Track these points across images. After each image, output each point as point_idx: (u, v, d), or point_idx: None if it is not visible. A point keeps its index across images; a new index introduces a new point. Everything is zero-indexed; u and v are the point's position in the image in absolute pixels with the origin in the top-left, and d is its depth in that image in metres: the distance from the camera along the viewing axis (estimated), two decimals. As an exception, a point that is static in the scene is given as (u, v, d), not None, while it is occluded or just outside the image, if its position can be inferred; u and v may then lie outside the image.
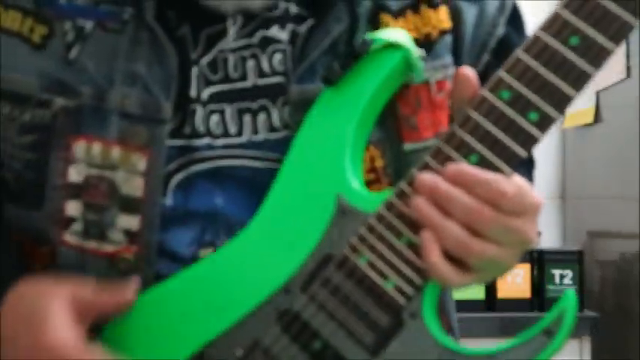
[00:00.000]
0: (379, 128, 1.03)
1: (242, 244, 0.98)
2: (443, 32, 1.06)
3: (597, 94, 2.85)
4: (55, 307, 0.93)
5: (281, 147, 1.00)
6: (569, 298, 0.91)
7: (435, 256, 0.91)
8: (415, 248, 0.93)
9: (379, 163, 1.04)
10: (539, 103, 0.91)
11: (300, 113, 1.00)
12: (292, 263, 0.96)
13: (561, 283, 2.76)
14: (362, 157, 1.01)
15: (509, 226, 0.91)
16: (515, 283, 2.76)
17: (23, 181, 1.01)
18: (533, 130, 0.91)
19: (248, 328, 0.96)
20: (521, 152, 0.91)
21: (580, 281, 2.74)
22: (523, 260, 2.78)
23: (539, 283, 2.77)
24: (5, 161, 1.02)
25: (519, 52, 0.92)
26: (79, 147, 0.99)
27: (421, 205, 0.92)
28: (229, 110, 1.01)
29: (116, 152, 0.99)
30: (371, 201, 0.96)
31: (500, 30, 1.11)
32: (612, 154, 2.74)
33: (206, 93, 1.01)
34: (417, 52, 0.99)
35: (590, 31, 0.90)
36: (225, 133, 1.01)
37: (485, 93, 0.93)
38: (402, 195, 0.94)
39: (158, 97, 0.99)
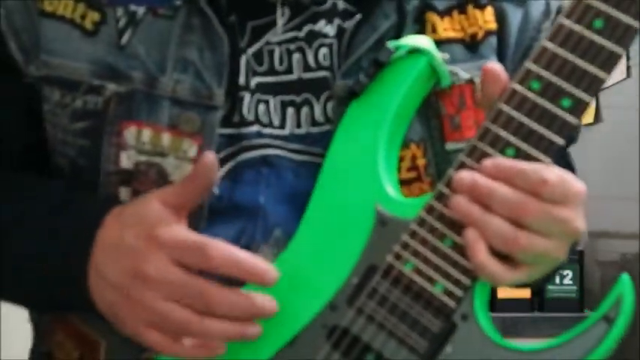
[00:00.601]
0: (422, 127, 1.03)
1: (285, 263, 0.96)
2: (488, 33, 1.06)
3: (597, 94, 2.86)
4: (154, 204, 0.92)
5: (323, 141, 0.99)
6: (625, 282, 0.89)
7: (481, 254, 0.89)
8: (460, 249, 0.91)
9: (421, 161, 1.03)
10: (571, 89, 0.90)
11: (344, 108, 0.99)
12: (337, 279, 0.95)
13: (561, 284, 2.75)
14: (396, 164, 1.00)
15: (555, 215, 0.88)
16: (517, 282, 2.76)
17: (77, 167, 1.01)
18: (568, 117, 0.90)
19: (299, 348, 0.95)
20: (558, 140, 0.90)
21: (580, 281, 2.74)
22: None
23: (540, 282, 2.76)
24: (58, 148, 1.02)
25: (545, 42, 0.92)
26: (130, 133, 0.99)
27: (461, 203, 0.90)
28: (273, 102, 1.01)
29: (166, 139, 0.98)
30: (410, 207, 0.95)
31: (545, 35, 1.10)
32: (612, 154, 2.75)
33: (253, 82, 1.01)
34: (440, 56, 0.98)
35: (614, 12, 0.89)
36: (270, 124, 1.01)
37: (515, 86, 0.92)
38: (441, 197, 0.93)
39: (210, 83, 0.99)
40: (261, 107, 1.01)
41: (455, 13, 1.05)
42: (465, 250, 0.90)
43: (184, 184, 0.92)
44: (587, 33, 0.90)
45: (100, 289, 0.92)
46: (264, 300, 0.90)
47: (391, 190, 0.96)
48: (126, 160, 0.99)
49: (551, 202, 0.88)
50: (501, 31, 1.08)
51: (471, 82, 1.04)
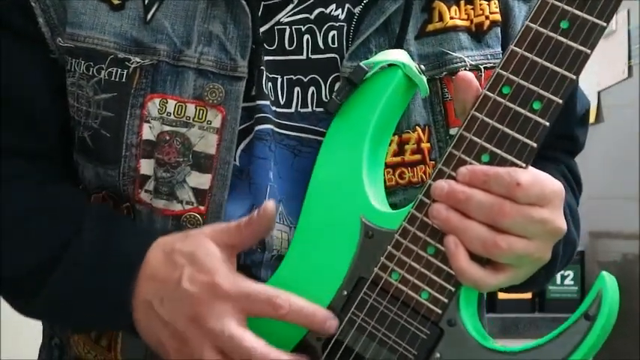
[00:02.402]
0: (427, 112, 1.06)
1: (280, 280, 0.99)
2: (494, 24, 1.09)
3: (598, 94, 2.85)
4: (209, 245, 0.95)
5: (327, 120, 1.02)
6: (604, 279, 0.91)
7: (461, 261, 0.90)
8: (443, 256, 0.93)
9: (425, 145, 1.06)
10: (540, 91, 0.91)
11: (350, 88, 1.01)
12: (328, 292, 0.97)
13: (562, 284, 2.75)
14: (382, 175, 1.02)
15: (532, 216, 0.89)
16: (517, 283, 2.76)
17: (100, 139, 1.04)
18: (539, 119, 0.91)
19: None
20: (531, 143, 0.91)
21: (581, 282, 2.73)
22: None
23: (540, 283, 2.76)
24: (82, 120, 1.04)
25: (512, 47, 0.93)
26: (154, 104, 1.01)
27: (440, 210, 0.92)
28: (280, 80, 1.04)
29: (191, 109, 1.01)
30: (393, 218, 0.96)
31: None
32: (613, 154, 2.74)
33: (264, 60, 1.03)
34: (416, 67, 1.00)
35: (579, 13, 0.91)
36: (277, 102, 1.03)
37: (486, 92, 0.93)
38: (421, 206, 0.94)
39: (234, 56, 1.02)
40: (269, 85, 1.03)
41: (462, 3, 1.08)
42: (446, 257, 0.92)
43: (242, 226, 0.96)
44: (553, 35, 0.91)
45: (149, 323, 0.96)
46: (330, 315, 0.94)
47: (376, 202, 0.98)
48: (148, 132, 1.02)
49: (527, 203, 0.89)
50: (506, 24, 1.10)
51: (476, 68, 1.07)
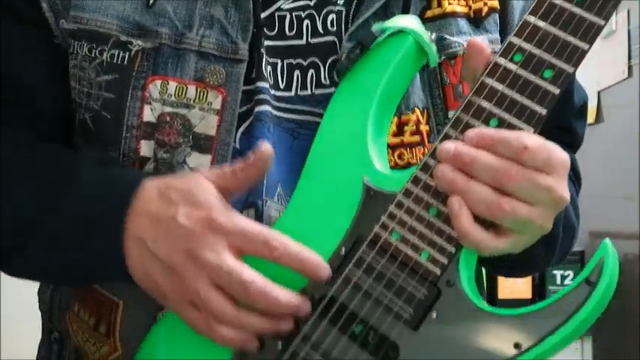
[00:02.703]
0: (425, 95, 1.07)
1: (280, 230, 0.97)
2: (492, 10, 1.10)
3: (598, 94, 2.86)
4: (205, 183, 0.95)
5: (326, 102, 1.02)
6: (606, 247, 0.90)
7: (465, 222, 0.90)
8: (445, 218, 0.93)
9: (424, 127, 1.07)
10: (552, 59, 0.92)
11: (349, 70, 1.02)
12: (326, 250, 0.96)
13: (562, 284, 2.76)
14: (386, 141, 1.02)
15: (538, 182, 0.89)
16: (517, 283, 2.76)
17: (101, 120, 1.04)
18: (550, 87, 0.92)
19: None
20: (540, 110, 0.92)
21: (581, 282, 2.74)
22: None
23: (540, 283, 2.76)
24: (84, 102, 1.05)
25: (526, 16, 0.94)
26: (155, 86, 1.02)
27: (445, 172, 0.92)
28: (280, 65, 1.05)
29: (192, 90, 1.02)
30: (396, 180, 0.97)
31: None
32: (613, 154, 2.74)
33: (264, 44, 1.04)
34: (428, 36, 1.00)
35: None
36: (277, 86, 1.04)
37: (498, 59, 0.94)
38: (426, 168, 0.95)
39: (235, 39, 1.02)
40: (269, 69, 1.04)
41: None
42: (449, 218, 0.92)
43: (237, 170, 0.95)
44: (568, 5, 0.92)
45: (142, 260, 0.94)
46: (304, 302, 0.93)
47: (379, 165, 0.99)
48: (149, 113, 1.02)
49: (533, 168, 0.89)
50: (504, 12, 1.11)
51: None
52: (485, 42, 0.95)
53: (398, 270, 0.94)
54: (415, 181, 0.95)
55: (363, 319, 0.94)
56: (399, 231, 0.94)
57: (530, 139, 0.90)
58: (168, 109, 1.02)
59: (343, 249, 0.96)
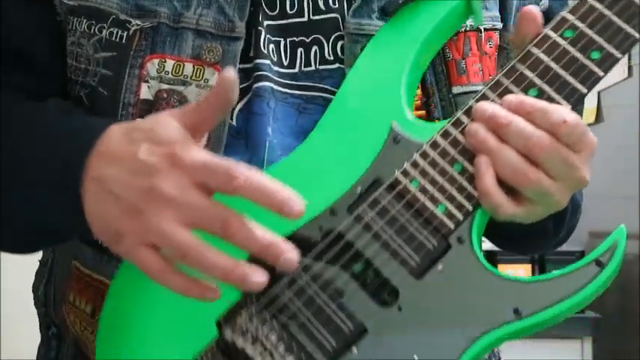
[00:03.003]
0: (429, 72, 1.07)
1: (293, 162, 0.99)
2: None
3: (598, 94, 2.87)
4: (169, 120, 0.90)
5: (331, 78, 1.03)
6: (621, 231, 0.94)
7: (488, 181, 0.91)
8: (468, 175, 0.93)
9: (429, 103, 1.08)
10: (603, 42, 0.94)
11: (354, 46, 1.03)
12: (341, 185, 0.96)
13: (562, 284, 2.75)
14: (415, 91, 1.02)
15: (567, 158, 0.91)
16: (517, 282, 2.76)
17: (97, 97, 1.03)
18: (595, 68, 0.93)
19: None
20: (582, 89, 0.93)
21: (581, 282, 2.74)
22: (524, 260, 2.77)
23: (540, 282, 2.76)
24: (80, 79, 1.05)
25: None
26: (153, 65, 1.02)
27: (478, 130, 0.92)
28: (284, 43, 1.05)
29: (189, 68, 1.02)
30: (423, 130, 0.97)
31: (546, 3, 1.15)
32: (613, 154, 2.75)
33: (264, 25, 1.04)
34: None
35: None
36: (280, 63, 1.04)
37: (548, 31, 0.95)
38: (457, 124, 0.95)
39: (232, 17, 1.03)
40: (272, 47, 1.04)
41: None
42: (472, 177, 0.93)
43: (203, 102, 0.90)
44: None
45: (98, 200, 0.89)
46: (287, 246, 0.85)
47: (409, 112, 0.99)
48: (146, 91, 1.02)
49: (566, 143, 0.91)
50: None
51: (477, 30, 1.10)
52: (539, 12, 0.95)
53: (412, 218, 0.94)
54: (444, 134, 0.95)
55: (368, 260, 0.93)
56: (419, 180, 0.94)
57: (569, 114, 0.91)
58: (165, 86, 1.02)
59: (359, 188, 0.96)
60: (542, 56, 0.94)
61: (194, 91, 1.01)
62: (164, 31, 1.02)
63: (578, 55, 0.93)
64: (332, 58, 1.04)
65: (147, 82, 1.02)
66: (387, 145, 0.97)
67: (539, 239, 1.16)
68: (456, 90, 1.06)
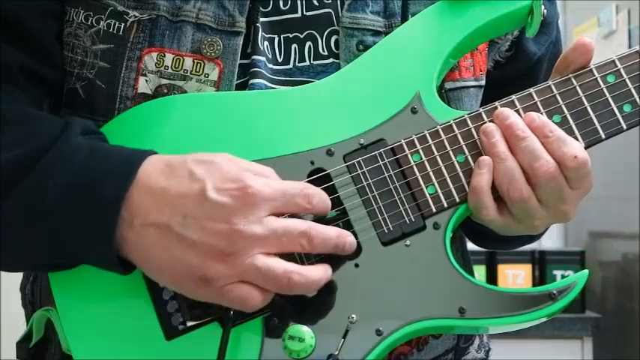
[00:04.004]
0: None
1: (311, 91, 0.99)
2: None
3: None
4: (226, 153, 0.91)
5: (326, 73, 1.03)
6: (585, 276, 0.95)
7: (483, 181, 0.94)
8: (468, 169, 0.96)
9: None
10: (639, 99, 0.97)
11: (349, 40, 1.03)
12: (346, 130, 0.98)
13: (562, 284, 2.75)
14: (442, 76, 1.03)
15: (562, 190, 0.94)
16: (517, 283, 2.77)
17: (94, 89, 1.02)
18: (621, 120, 0.97)
19: (278, 167, 0.94)
20: (602, 134, 0.97)
21: (582, 282, 2.74)
22: (524, 261, 2.77)
23: (540, 283, 2.76)
24: (76, 71, 1.03)
25: (638, 48, 0.98)
26: (151, 58, 1.01)
27: (494, 132, 0.95)
28: (278, 40, 1.05)
29: (189, 62, 1.01)
30: (443, 111, 0.99)
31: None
32: (613, 154, 2.75)
33: (259, 22, 1.04)
34: (543, 8, 1.01)
35: None
36: (275, 60, 1.04)
37: (593, 68, 0.97)
38: (476, 118, 0.97)
39: (232, 12, 1.02)
40: (266, 44, 1.04)
41: None
42: (470, 172, 0.95)
43: None
44: None
45: (165, 249, 0.87)
46: (348, 233, 0.92)
47: (435, 90, 1.00)
48: (144, 85, 1.00)
49: (567, 177, 0.94)
50: None
51: None
52: (593, 46, 0.97)
53: (400, 187, 0.96)
54: (460, 123, 0.97)
55: (345, 210, 0.95)
56: (421, 155, 0.96)
57: (582, 152, 0.94)
58: (164, 81, 1.01)
59: (362, 140, 0.97)
60: (579, 89, 0.97)
61: (194, 85, 1.00)
62: (163, 24, 1.01)
63: (611, 101, 0.96)
64: (326, 53, 1.04)
65: (145, 75, 1.01)
66: (404, 111, 0.98)
67: (510, 244, 1.20)
68: (448, 85, 1.07)
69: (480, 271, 2.77)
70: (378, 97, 0.99)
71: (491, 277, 2.79)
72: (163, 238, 0.87)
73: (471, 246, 1.22)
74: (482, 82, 1.09)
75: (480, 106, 0.99)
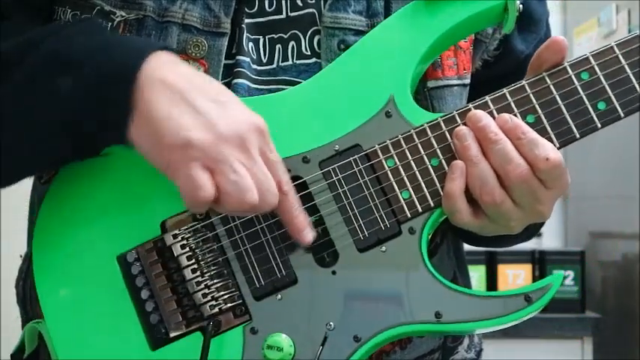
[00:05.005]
0: None
1: (288, 97, 1.00)
2: None
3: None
4: None
5: (308, 73, 1.03)
6: (560, 278, 0.96)
7: (456, 186, 0.94)
8: (442, 173, 0.96)
9: None
10: (613, 96, 0.95)
11: (330, 39, 1.03)
12: (322, 136, 0.98)
13: (563, 284, 2.76)
14: (419, 77, 1.03)
15: (536, 192, 0.94)
16: (517, 284, 2.77)
17: None
18: (596, 119, 0.95)
19: None
20: (576, 133, 0.95)
21: (582, 282, 2.75)
22: (525, 261, 2.77)
23: (540, 283, 2.76)
24: None
25: (614, 44, 0.96)
26: None
27: (466, 135, 0.94)
28: (262, 40, 1.05)
29: None
30: (417, 114, 0.98)
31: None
32: (613, 154, 2.75)
33: (245, 21, 1.04)
34: (518, 4, 1.00)
35: None
36: (260, 61, 1.04)
37: (567, 66, 0.96)
38: (450, 121, 0.97)
39: (218, 13, 1.03)
40: (251, 45, 1.04)
41: None
42: (444, 176, 0.95)
43: None
44: None
45: (172, 103, 0.89)
46: (305, 235, 0.93)
47: (409, 93, 0.99)
48: None
49: (541, 179, 0.93)
50: None
51: None
52: (566, 45, 0.96)
53: (375, 193, 0.96)
54: (434, 126, 0.97)
55: (321, 217, 0.96)
56: (395, 161, 0.96)
57: (554, 153, 0.93)
58: None
59: (337, 146, 0.98)
60: (553, 88, 0.95)
61: None
62: (149, 25, 1.02)
63: (585, 99, 0.95)
64: (309, 52, 1.04)
65: None
66: (378, 115, 0.98)
67: (495, 244, 1.19)
68: (430, 84, 1.06)
69: (479, 271, 2.76)
70: (353, 102, 0.99)
71: (491, 277, 2.78)
72: (172, 96, 0.89)
73: (471, 246, 1.21)
74: (467, 81, 1.09)
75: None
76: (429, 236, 0.97)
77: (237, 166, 0.87)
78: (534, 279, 2.77)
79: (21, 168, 0.97)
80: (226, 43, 1.03)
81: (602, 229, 2.96)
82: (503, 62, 1.13)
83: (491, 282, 2.78)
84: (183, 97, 0.89)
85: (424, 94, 1.06)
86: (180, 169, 0.87)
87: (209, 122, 0.88)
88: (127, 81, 0.89)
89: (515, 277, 2.76)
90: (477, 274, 2.71)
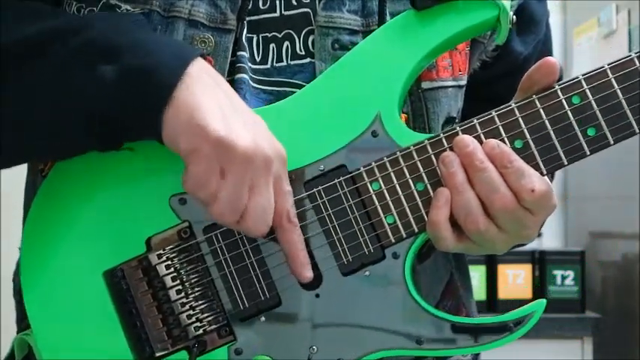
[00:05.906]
0: None
1: (274, 113, 0.98)
2: None
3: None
4: None
5: (303, 73, 1.02)
6: (542, 305, 0.95)
7: (441, 215, 0.93)
8: (427, 198, 0.94)
9: None
10: (603, 122, 0.93)
11: (324, 39, 1.02)
12: (307, 155, 0.97)
13: (563, 284, 2.76)
14: (408, 91, 1.01)
15: (522, 219, 0.93)
16: (517, 283, 2.76)
17: None
18: (585, 146, 0.93)
19: None
20: (564, 160, 0.93)
21: (582, 282, 2.75)
22: (525, 261, 2.77)
23: (540, 283, 2.77)
24: None
25: (607, 67, 0.93)
26: None
27: (452, 161, 0.93)
28: (256, 39, 1.04)
29: None
30: (403, 135, 0.97)
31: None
32: (613, 154, 2.74)
33: (246, 19, 1.03)
34: (511, 17, 0.98)
35: None
36: (253, 60, 1.03)
37: (558, 90, 0.94)
38: (437, 144, 0.95)
39: (224, 9, 1.02)
40: (246, 44, 1.03)
41: None
42: (429, 201, 0.94)
43: None
44: None
45: (222, 104, 0.91)
46: (306, 271, 0.94)
47: (397, 110, 0.98)
48: None
49: (526, 208, 0.93)
50: None
51: None
52: (559, 66, 0.95)
53: (360, 217, 0.95)
54: (420, 150, 0.95)
55: (306, 241, 0.95)
56: (381, 184, 0.95)
57: (540, 184, 0.92)
58: None
59: (322, 166, 0.97)
60: (542, 112, 0.93)
61: None
62: (155, 19, 1.01)
63: (575, 125, 0.93)
64: (303, 52, 1.03)
65: None
66: (364, 134, 0.97)
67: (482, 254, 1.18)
68: (425, 85, 1.05)
69: (480, 271, 2.77)
70: (339, 119, 0.97)
71: (492, 278, 2.79)
72: (215, 89, 0.91)
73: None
74: (462, 82, 1.07)
75: (462, 107, 0.99)
76: (414, 260, 0.97)
77: (243, 188, 0.88)
78: (534, 279, 2.77)
79: (35, 149, 0.98)
80: (233, 40, 1.02)
81: (602, 229, 2.96)
82: (502, 63, 1.11)
83: (492, 282, 2.78)
84: (231, 101, 0.92)
85: (418, 95, 1.05)
86: (202, 163, 0.89)
87: (255, 135, 0.89)
88: (178, 67, 0.91)
89: (515, 277, 2.77)
90: (477, 274, 2.71)
